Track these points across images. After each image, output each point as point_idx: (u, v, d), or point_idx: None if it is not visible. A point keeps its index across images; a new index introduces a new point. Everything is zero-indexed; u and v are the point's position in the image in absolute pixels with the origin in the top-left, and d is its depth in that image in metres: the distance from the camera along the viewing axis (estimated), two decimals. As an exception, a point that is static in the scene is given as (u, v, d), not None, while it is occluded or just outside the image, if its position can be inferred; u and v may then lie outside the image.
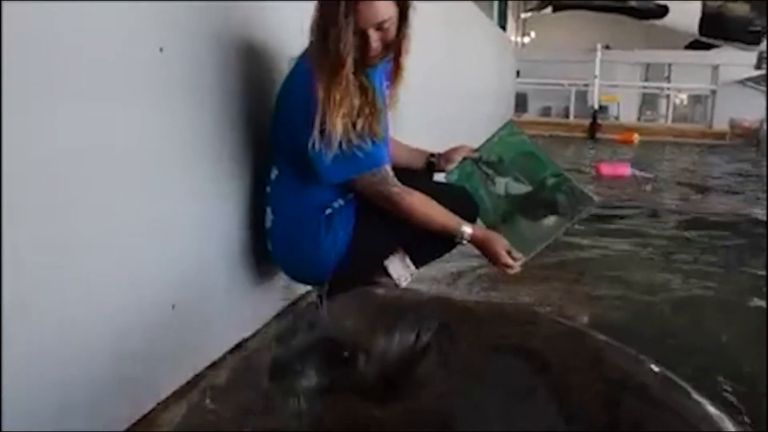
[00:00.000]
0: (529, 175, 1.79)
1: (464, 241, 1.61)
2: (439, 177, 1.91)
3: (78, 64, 1.02)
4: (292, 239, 1.59)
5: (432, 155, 1.87)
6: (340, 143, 1.44)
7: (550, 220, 1.73)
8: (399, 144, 1.81)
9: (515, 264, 1.63)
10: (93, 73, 1.06)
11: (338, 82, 1.41)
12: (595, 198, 1.74)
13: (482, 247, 1.63)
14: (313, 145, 1.44)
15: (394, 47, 1.50)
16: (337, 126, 1.42)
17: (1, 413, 0.91)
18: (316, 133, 1.43)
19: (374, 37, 1.44)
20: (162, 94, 1.25)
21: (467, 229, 1.60)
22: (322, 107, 1.41)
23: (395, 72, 1.56)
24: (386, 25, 1.43)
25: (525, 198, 1.78)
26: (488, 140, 1.89)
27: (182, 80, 1.31)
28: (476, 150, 1.87)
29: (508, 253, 1.63)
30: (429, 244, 1.68)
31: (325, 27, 1.41)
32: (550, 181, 1.76)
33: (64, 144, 1.00)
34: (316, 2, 1.46)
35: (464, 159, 1.86)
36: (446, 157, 1.86)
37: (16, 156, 0.90)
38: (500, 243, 1.62)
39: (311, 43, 1.49)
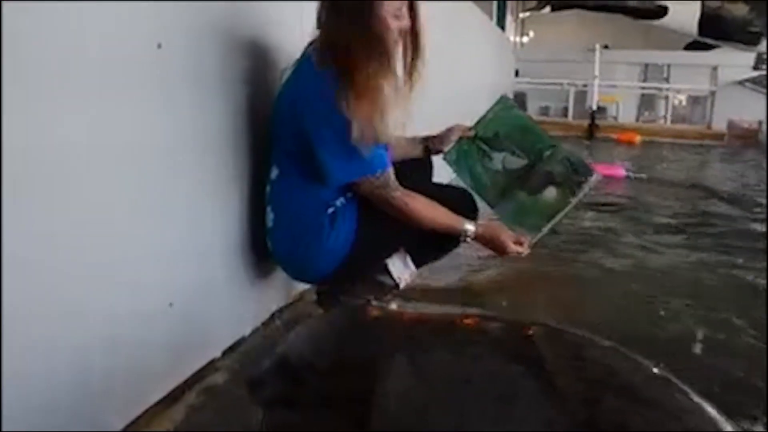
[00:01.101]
0: (526, 148, 1.81)
1: (468, 240, 1.61)
2: (436, 159, 1.92)
3: (75, 60, 1.02)
4: (295, 238, 1.59)
5: (425, 138, 1.88)
6: (351, 143, 1.44)
7: (551, 191, 1.73)
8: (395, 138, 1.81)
9: (522, 249, 1.64)
10: (91, 70, 1.05)
11: (390, 79, 1.43)
12: (595, 174, 1.76)
13: (487, 241, 1.64)
14: (335, 152, 1.46)
15: (408, 35, 1.52)
16: (383, 119, 1.43)
17: (1, 413, 0.90)
18: (357, 131, 1.42)
19: (395, 25, 1.47)
20: (160, 91, 1.24)
21: (470, 227, 1.61)
22: (371, 106, 1.41)
23: (415, 56, 1.55)
24: (400, 13, 1.48)
25: (523, 171, 1.79)
26: (482, 117, 1.90)
27: (181, 77, 1.31)
28: (471, 128, 1.88)
29: (517, 241, 1.64)
30: (431, 244, 1.68)
31: (364, 25, 1.42)
32: (547, 152, 1.78)
33: (61, 141, 1.00)
34: (327, 8, 1.46)
35: (460, 138, 1.86)
36: (442, 138, 1.87)
37: (14, 153, 0.89)
38: (504, 234, 1.64)
39: (328, 44, 1.47)
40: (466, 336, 1.02)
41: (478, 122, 1.89)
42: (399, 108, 1.46)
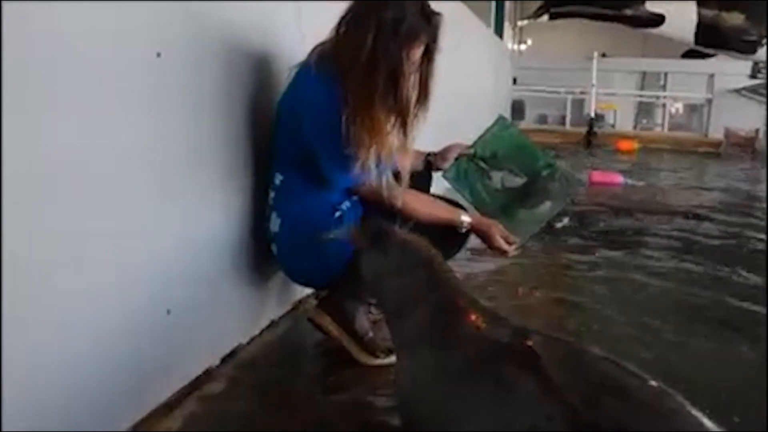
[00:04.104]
0: (523, 167, 1.87)
1: (464, 229, 1.66)
2: (436, 175, 1.93)
3: (75, 68, 1.02)
4: (302, 242, 1.59)
5: (429, 155, 1.90)
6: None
7: (546, 205, 1.82)
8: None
9: (510, 248, 1.69)
10: (91, 78, 1.05)
11: (407, 125, 1.49)
12: (583, 179, 1.84)
13: (479, 231, 1.69)
14: (335, 157, 1.47)
15: (423, 78, 1.56)
16: (371, 153, 1.46)
17: (1, 413, 0.90)
18: (357, 158, 1.45)
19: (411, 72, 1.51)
20: (159, 99, 1.25)
21: (466, 218, 1.66)
22: (379, 143, 1.45)
23: (422, 97, 1.58)
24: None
25: (521, 189, 1.85)
26: (481, 136, 1.94)
27: (180, 84, 1.31)
28: (470, 147, 1.91)
29: (506, 239, 1.68)
30: (435, 247, 1.68)
31: (389, 72, 1.44)
32: (544, 171, 1.85)
33: (61, 149, 1.00)
34: (355, 32, 1.45)
35: (459, 156, 1.88)
36: (442, 155, 1.90)
37: (12, 160, 0.89)
38: (495, 227, 1.68)
39: (356, 74, 1.45)
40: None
41: (477, 141, 1.92)
42: (391, 142, 1.50)
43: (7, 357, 0.91)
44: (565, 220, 3.44)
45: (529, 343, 1.02)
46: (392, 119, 1.49)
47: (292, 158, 1.56)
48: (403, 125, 1.50)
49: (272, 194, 1.62)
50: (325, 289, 1.75)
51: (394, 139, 1.50)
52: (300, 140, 1.51)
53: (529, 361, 0.97)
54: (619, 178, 5.46)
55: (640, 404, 0.90)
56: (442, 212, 1.65)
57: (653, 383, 0.94)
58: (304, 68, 1.55)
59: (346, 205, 1.59)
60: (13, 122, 0.89)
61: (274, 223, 1.61)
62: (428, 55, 1.53)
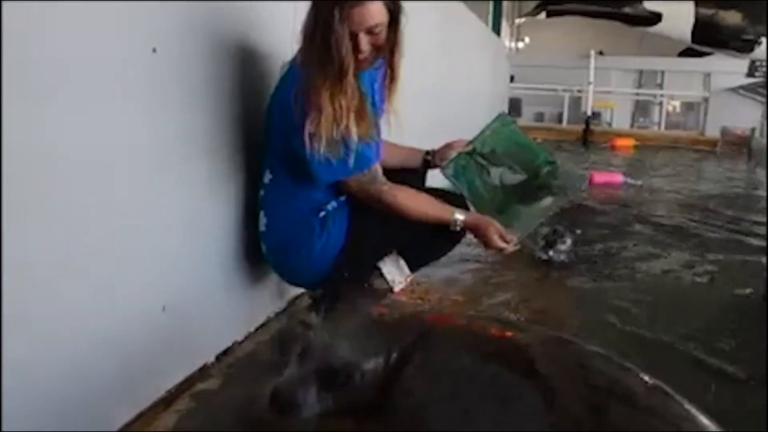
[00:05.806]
0: (523, 164, 1.84)
1: (458, 227, 1.63)
2: (434, 173, 1.92)
3: (70, 64, 1.01)
4: (286, 241, 1.59)
5: (427, 153, 1.88)
6: (331, 146, 1.45)
7: (546, 200, 1.78)
8: (394, 145, 1.81)
9: (507, 246, 1.65)
10: (86, 74, 1.05)
11: (342, 88, 1.43)
12: (585, 174, 1.81)
13: (474, 231, 1.66)
14: (304, 146, 1.45)
15: (386, 51, 1.51)
16: (330, 130, 1.43)
17: (1, 413, 0.90)
18: (307, 135, 1.44)
19: (364, 41, 1.45)
20: (154, 96, 1.24)
21: (460, 216, 1.63)
22: (318, 111, 1.42)
23: (390, 76, 1.57)
24: (377, 30, 1.45)
25: (520, 186, 1.82)
26: (480, 133, 1.91)
27: (174, 81, 1.30)
28: (469, 143, 1.89)
29: (503, 237, 1.65)
30: (424, 246, 1.68)
31: (322, 33, 1.42)
32: (544, 169, 1.82)
33: (54, 146, 0.99)
34: (308, 8, 1.46)
35: (458, 154, 1.87)
36: (441, 153, 1.87)
37: (9, 157, 0.89)
38: (491, 226, 1.64)
39: (302, 47, 1.49)
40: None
41: (476, 138, 1.90)
42: (359, 121, 1.47)
43: (7, 355, 0.90)
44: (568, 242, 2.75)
45: (531, 345, 0.98)
46: (330, 88, 1.43)
47: (281, 155, 1.55)
48: (342, 93, 1.43)
49: (261, 192, 1.62)
50: (315, 288, 1.74)
51: (342, 110, 1.44)
52: (288, 137, 1.50)
53: (530, 366, 0.93)
54: (620, 177, 5.42)
55: (646, 410, 0.87)
56: (434, 210, 1.62)
57: (659, 386, 0.91)
58: (292, 65, 1.55)
59: (332, 205, 1.58)
60: (10, 120, 0.89)
61: (262, 222, 1.61)
62: (393, 30, 1.49)
